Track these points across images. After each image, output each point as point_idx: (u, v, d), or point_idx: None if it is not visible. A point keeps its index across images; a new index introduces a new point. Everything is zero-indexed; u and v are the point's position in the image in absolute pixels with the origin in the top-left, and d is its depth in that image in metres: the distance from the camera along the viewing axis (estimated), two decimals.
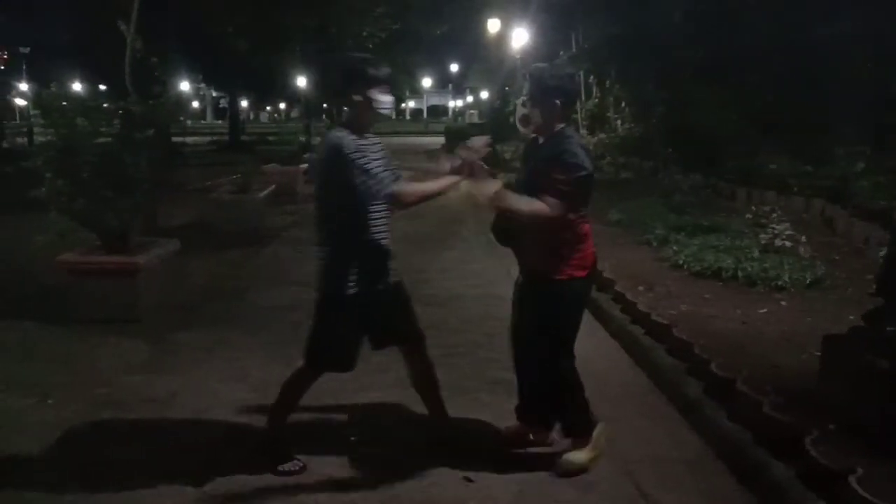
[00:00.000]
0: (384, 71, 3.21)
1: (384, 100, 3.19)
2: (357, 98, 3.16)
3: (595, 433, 3.44)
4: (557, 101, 3.21)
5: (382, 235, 3.25)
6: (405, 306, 3.44)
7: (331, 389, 4.24)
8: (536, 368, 3.44)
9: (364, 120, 3.23)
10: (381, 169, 3.13)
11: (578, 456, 3.39)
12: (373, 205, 3.15)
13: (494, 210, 3.22)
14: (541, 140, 3.35)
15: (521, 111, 3.42)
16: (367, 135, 3.25)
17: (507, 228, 3.37)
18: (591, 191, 3.33)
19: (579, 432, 3.46)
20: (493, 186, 3.09)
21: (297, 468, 3.37)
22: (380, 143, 3.32)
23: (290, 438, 3.50)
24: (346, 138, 3.12)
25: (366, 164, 3.07)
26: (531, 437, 3.63)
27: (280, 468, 3.35)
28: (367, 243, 3.21)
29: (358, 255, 3.21)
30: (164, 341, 5.29)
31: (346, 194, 3.08)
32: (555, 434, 3.62)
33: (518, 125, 3.47)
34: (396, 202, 3.16)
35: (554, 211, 3.08)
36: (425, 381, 3.55)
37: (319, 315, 3.29)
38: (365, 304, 3.21)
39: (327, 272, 3.22)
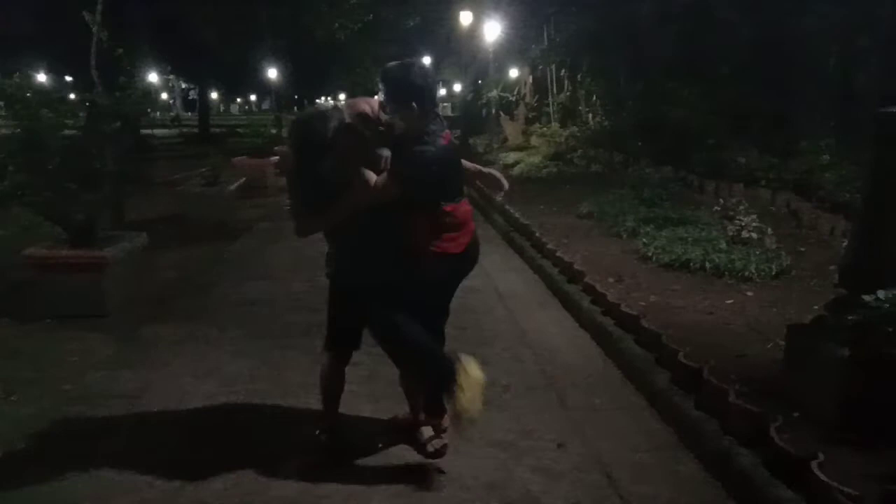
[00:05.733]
0: None
1: None
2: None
3: (459, 380, 3.00)
4: (414, 105, 3.04)
5: (363, 235, 3.20)
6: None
7: (299, 383, 4.25)
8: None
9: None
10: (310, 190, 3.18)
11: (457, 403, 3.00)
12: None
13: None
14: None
15: (384, 118, 3.13)
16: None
17: None
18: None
19: (432, 403, 3.34)
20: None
21: None
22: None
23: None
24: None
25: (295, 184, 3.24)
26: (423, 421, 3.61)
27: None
28: (344, 239, 3.28)
29: (340, 249, 3.32)
30: (132, 336, 5.23)
31: None
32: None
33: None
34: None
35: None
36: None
37: None
38: (352, 291, 3.29)
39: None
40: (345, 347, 3.49)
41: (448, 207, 3.18)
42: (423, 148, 3.07)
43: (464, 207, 3.28)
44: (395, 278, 3.15)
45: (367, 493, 3.19)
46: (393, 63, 3.22)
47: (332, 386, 3.53)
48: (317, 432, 3.60)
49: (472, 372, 3.04)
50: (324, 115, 3.20)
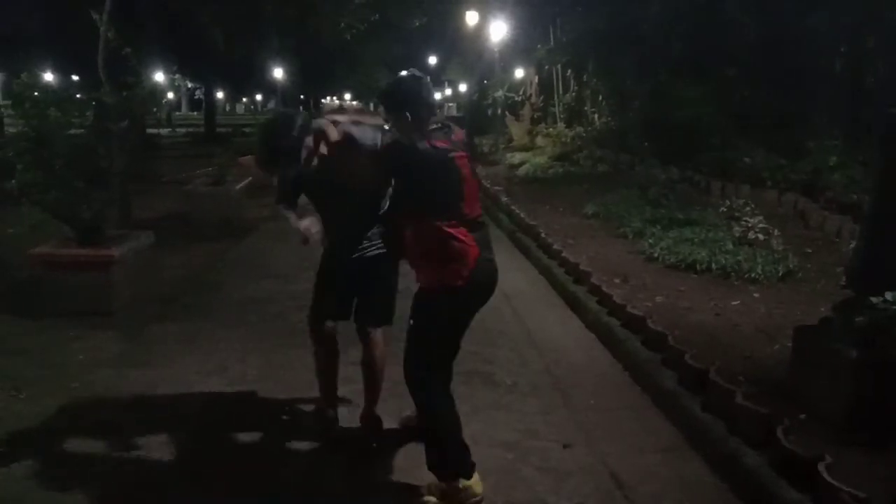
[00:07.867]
0: None
1: None
2: None
3: (461, 484, 3.03)
4: (407, 114, 3.06)
5: (339, 221, 3.48)
6: (367, 288, 3.58)
7: (304, 381, 4.25)
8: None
9: None
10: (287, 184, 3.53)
11: (430, 499, 3.07)
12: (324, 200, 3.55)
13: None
14: None
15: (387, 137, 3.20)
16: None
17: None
18: (419, 198, 3.03)
19: (436, 467, 3.10)
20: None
21: None
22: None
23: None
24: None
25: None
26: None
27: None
28: (335, 216, 3.52)
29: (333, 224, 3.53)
30: (139, 334, 5.24)
31: None
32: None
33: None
34: None
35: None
36: (364, 371, 3.68)
37: None
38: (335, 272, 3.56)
39: None
40: (324, 319, 3.61)
41: (446, 227, 2.93)
42: (408, 141, 3.03)
43: (462, 234, 2.97)
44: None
45: (373, 491, 3.19)
46: (388, 81, 3.47)
47: (321, 357, 3.67)
48: (330, 413, 3.75)
49: (474, 485, 3.05)
50: (288, 115, 3.23)
